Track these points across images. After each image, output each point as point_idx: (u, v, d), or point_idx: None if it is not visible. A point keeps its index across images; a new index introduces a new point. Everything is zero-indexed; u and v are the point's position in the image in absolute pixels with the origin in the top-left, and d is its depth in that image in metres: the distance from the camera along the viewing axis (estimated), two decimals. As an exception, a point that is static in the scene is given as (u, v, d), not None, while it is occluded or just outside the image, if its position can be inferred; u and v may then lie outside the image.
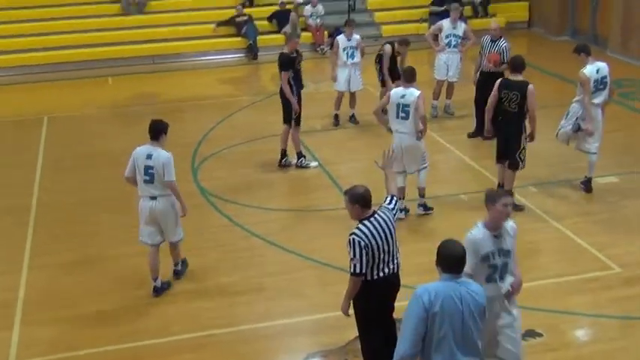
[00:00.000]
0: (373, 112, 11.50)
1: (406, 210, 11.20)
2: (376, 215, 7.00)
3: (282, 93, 12.83)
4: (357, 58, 14.92)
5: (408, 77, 10.92)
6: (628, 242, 10.33)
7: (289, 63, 12.64)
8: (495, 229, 6.73)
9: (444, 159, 13.36)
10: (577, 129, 11.60)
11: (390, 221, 7.04)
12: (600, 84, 11.40)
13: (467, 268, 6.14)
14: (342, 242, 10.50)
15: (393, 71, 14.61)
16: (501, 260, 6.74)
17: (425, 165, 11.08)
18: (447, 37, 15.12)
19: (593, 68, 11.38)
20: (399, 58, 14.72)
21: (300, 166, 13.18)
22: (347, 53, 14.86)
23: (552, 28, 22.07)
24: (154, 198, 9.11)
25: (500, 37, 13.98)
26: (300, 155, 13.21)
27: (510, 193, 6.12)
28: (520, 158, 11.04)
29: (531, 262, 9.97)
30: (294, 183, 13.01)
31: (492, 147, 11.54)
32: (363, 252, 6.83)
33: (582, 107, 11.48)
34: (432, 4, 22.25)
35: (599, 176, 12.14)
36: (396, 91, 10.95)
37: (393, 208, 7.21)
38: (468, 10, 22.61)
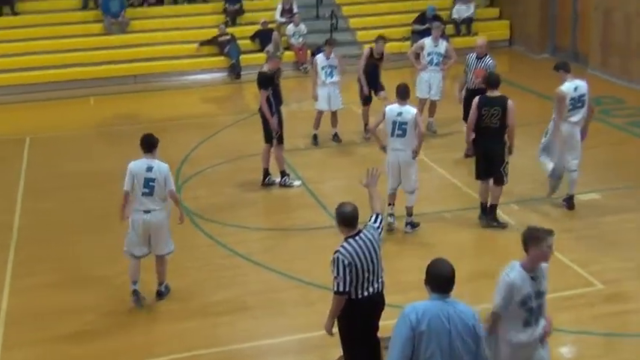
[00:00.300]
0: (369, 129, 11.52)
1: (413, 225, 11.27)
2: (361, 234, 6.99)
3: (261, 111, 12.85)
4: (336, 77, 14.96)
5: (403, 94, 10.93)
6: (610, 259, 10.37)
7: (268, 81, 12.67)
8: (533, 270, 6.44)
9: (427, 177, 13.38)
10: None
11: (375, 240, 7.04)
12: (578, 102, 11.42)
13: (497, 309, 6.05)
14: (325, 261, 10.47)
15: (373, 79, 14.71)
16: (537, 302, 6.44)
17: (417, 186, 11.16)
18: (428, 55, 15.20)
19: (571, 86, 11.42)
20: (380, 68, 14.96)
21: (283, 185, 13.17)
22: (325, 72, 14.89)
23: (533, 46, 22.23)
24: (147, 212, 9.19)
25: (486, 55, 14.09)
26: (283, 174, 13.20)
27: (551, 232, 6.06)
28: (504, 172, 11.11)
29: (514, 279, 9.98)
30: (278, 202, 13.00)
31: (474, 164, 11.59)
32: (347, 270, 6.82)
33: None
34: (415, 22, 22.38)
35: (580, 193, 12.19)
36: (392, 109, 10.95)
37: (379, 227, 7.21)
38: (450, 29, 22.77)
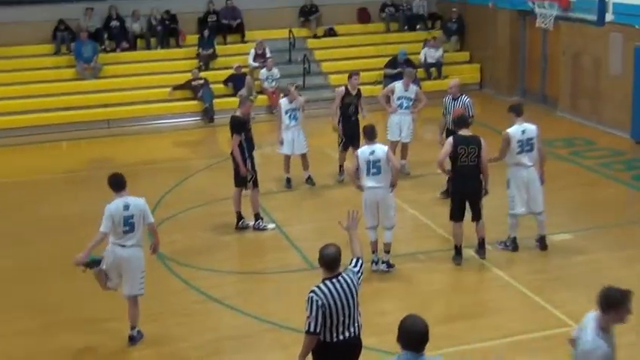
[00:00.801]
0: (348, 173, 11.61)
1: (390, 264, 11.26)
2: (340, 277, 6.96)
3: (233, 156, 12.85)
4: (299, 121, 14.96)
5: (370, 135, 11.07)
6: (584, 299, 10.35)
7: (241, 126, 12.70)
8: (609, 330, 6.35)
9: (400, 218, 13.32)
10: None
11: (354, 284, 7.00)
12: (526, 145, 11.52)
13: None
14: (299, 304, 10.43)
15: (352, 132, 14.80)
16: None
17: (395, 223, 11.22)
18: (398, 99, 15.33)
19: (519, 129, 11.55)
20: (359, 108, 15.05)
21: (257, 228, 13.13)
22: (289, 116, 14.90)
23: (503, 89, 22.50)
24: (123, 246, 9.28)
25: (461, 94, 14.27)
26: (257, 217, 13.17)
27: (631, 294, 6.10)
28: (481, 207, 11.35)
29: (489, 320, 10.00)
30: (251, 245, 12.95)
31: (447, 206, 11.64)
32: (319, 311, 6.79)
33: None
34: (386, 66, 22.58)
35: (553, 233, 12.27)
36: (363, 150, 11.07)
37: (359, 271, 7.18)
38: (421, 72, 23.02)
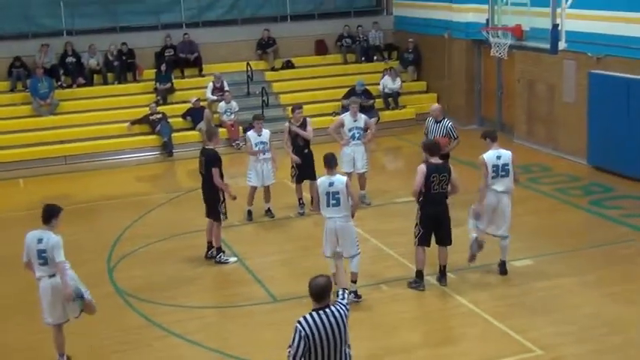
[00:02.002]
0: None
1: (357, 295, 11.24)
2: (327, 309, 6.86)
3: (208, 188, 12.81)
4: (269, 154, 15.02)
5: (330, 163, 11.10)
6: (546, 324, 10.46)
7: (219, 159, 12.74)
8: None
9: (362, 249, 13.37)
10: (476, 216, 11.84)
11: (342, 317, 6.90)
12: (502, 170, 11.65)
13: None
14: (262, 337, 10.39)
15: (307, 165, 14.93)
16: None
17: (358, 251, 11.19)
18: (349, 130, 15.39)
19: (494, 154, 11.69)
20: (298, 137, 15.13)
21: (219, 262, 13.05)
22: (259, 148, 14.96)
23: (461, 118, 22.68)
24: (53, 275, 9.27)
25: (444, 118, 14.55)
26: (219, 250, 13.10)
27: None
28: (450, 232, 11.52)
29: (452, 348, 10.00)
30: (213, 279, 12.85)
31: (410, 234, 11.67)
32: (302, 342, 6.71)
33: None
34: (344, 97, 22.65)
35: (514, 260, 12.35)
36: (323, 181, 11.07)
37: (348, 303, 7.13)
38: (379, 103, 23.19)
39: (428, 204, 11.33)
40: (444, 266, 11.67)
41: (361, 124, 15.44)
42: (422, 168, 11.27)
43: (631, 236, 13.60)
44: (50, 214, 9.32)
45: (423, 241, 11.49)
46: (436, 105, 15.02)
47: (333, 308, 6.89)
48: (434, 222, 11.42)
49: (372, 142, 15.89)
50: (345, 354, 7.00)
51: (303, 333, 6.72)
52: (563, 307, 10.94)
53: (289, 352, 6.78)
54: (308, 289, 6.89)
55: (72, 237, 14.57)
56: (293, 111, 15.42)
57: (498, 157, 11.66)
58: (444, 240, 11.53)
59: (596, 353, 9.65)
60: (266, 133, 15.04)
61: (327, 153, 11.36)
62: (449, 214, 11.45)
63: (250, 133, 15.10)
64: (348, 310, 6.99)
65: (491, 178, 11.60)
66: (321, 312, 6.83)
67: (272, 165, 15.06)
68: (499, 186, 11.65)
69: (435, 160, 11.33)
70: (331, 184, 10.94)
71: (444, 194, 11.33)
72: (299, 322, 6.78)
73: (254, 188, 15.10)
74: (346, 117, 15.55)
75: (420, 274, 11.63)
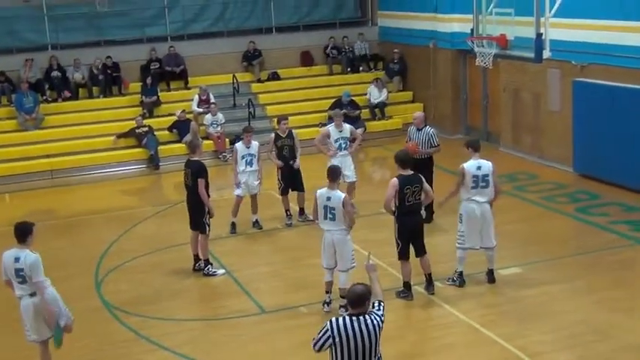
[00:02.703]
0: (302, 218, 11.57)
1: (327, 303, 11.25)
2: (362, 317, 6.91)
3: (194, 200, 12.79)
4: (255, 166, 14.98)
5: (334, 176, 11.14)
6: (535, 332, 10.47)
7: (205, 170, 12.74)
8: None
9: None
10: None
11: (375, 327, 6.92)
12: (482, 181, 11.64)
13: None
14: (251, 348, 10.36)
15: (291, 177, 15.07)
16: None
17: (353, 265, 11.19)
18: (336, 141, 15.39)
19: (475, 164, 11.70)
20: (295, 149, 15.24)
21: (207, 274, 13.01)
22: (245, 161, 14.91)
23: (447, 128, 22.76)
24: (33, 294, 9.10)
25: (425, 125, 14.69)
26: (207, 263, 13.06)
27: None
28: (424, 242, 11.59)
29: (442, 357, 9.99)
30: (202, 292, 12.81)
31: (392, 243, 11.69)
32: (326, 338, 6.83)
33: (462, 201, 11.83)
34: (331, 108, 22.72)
35: (502, 268, 12.37)
36: (322, 193, 11.07)
37: (383, 315, 7.11)
38: (366, 113, 23.24)
39: (404, 215, 11.36)
40: (429, 275, 11.71)
41: (347, 134, 15.46)
42: (394, 182, 11.28)
43: (617, 243, 13.64)
44: (24, 232, 9.10)
45: (403, 255, 11.55)
46: (418, 112, 15.12)
47: (367, 317, 6.93)
48: (410, 233, 11.45)
49: (358, 150, 15.90)
50: None
51: (329, 333, 6.84)
52: (552, 315, 10.96)
53: (314, 339, 6.90)
54: (347, 295, 7.05)
55: (58, 251, 14.61)
56: (279, 122, 15.45)
57: (478, 168, 11.67)
58: (420, 251, 11.56)
59: (584, 360, 9.67)
60: (255, 145, 15.01)
61: (332, 165, 11.56)
62: (422, 222, 11.61)
63: (239, 145, 15.07)
64: (382, 321, 7.02)
65: (471, 188, 11.62)
66: (354, 318, 6.89)
67: (257, 175, 15.02)
68: (480, 197, 11.67)
69: (406, 172, 11.33)
70: (329, 199, 10.95)
71: (418, 204, 11.40)
72: (330, 321, 6.88)
73: (239, 199, 15.05)
74: (331, 128, 15.57)
75: (407, 285, 11.66)
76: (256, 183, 15.04)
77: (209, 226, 12.97)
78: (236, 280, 12.84)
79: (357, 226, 14.78)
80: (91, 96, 23.14)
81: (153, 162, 21.17)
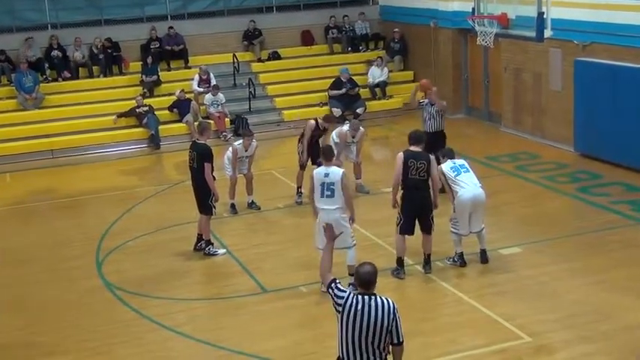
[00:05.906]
0: (307, 197, 11.57)
1: (355, 287, 11.21)
2: (367, 297, 6.57)
3: (199, 182, 12.74)
4: (248, 167, 15.05)
5: (327, 155, 11.14)
6: (535, 311, 10.49)
7: (211, 154, 12.62)
8: None
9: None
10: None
11: (387, 309, 6.52)
12: (462, 168, 11.81)
13: None
14: (253, 327, 10.40)
15: (314, 149, 14.81)
16: None
17: (354, 243, 11.25)
18: (347, 143, 15.52)
19: (449, 164, 11.88)
20: (322, 138, 15.05)
21: (208, 254, 13.03)
22: (241, 161, 14.94)
23: (448, 107, 22.68)
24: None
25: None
26: (208, 243, 13.08)
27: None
28: (433, 221, 11.52)
29: (442, 336, 10.02)
30: (203, 271, 12.83)
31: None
32: (336, 306, 6.62)
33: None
34: (331, 87, 22.70)
35: (502, 247, 12.40)
36: (319, 171, 11.08)
37: (337, 296, 6.71)
38: (366, 92, 23.18)
39: (408, 189, 11.40)
40: (428, 255, 11.74)
41: (357, 138, 15.55)
42: (399, 155, 11.41)
43: (618, 223, 13.65)
44: None
45: (403, 229, 11.55)
46: (432, 89, 15.62)
47: (379, 297, 6.61)
48: (414, 208, 11.45)
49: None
50: (382, 351, 6.60)
51: (341, 301, 6.56)
52: (552, 294, 10.99)
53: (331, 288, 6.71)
54: (354, 274, 6.78)
55: (60, 231, 14.62)
56: (325, 120, 15.19)
57: (454, 162, 11.89)
58: (427, 229, 11.56)
59: (584, 340, 9.70)
60: (253, 146, 14.93)
61: (325, 145, 11.43)
62: (430, 202, 11.49)
63: (239, 147, 14.86)
64: (395, 307, 6.58)
65: (455, 177, 11.66)
66: (367, 297, 6.58)
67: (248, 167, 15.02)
68: (467, 181, 11.69)
69: (416, 148, 11.42)
70: (327, 175, 10.95)
71: (423, 182, 11.34)
72: (349, 292, 6.61)
73: (234, 179, 14.96)
74: (347, 131, 15.54)
75: (400, 262, 11.69)
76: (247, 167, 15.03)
77: (215, 207, 12.93)
78: (237, 259, 12.86)
79: (357, 205, 14.82)
80: (91, 75, 23.10)
81: (153, 141, 21.14)
